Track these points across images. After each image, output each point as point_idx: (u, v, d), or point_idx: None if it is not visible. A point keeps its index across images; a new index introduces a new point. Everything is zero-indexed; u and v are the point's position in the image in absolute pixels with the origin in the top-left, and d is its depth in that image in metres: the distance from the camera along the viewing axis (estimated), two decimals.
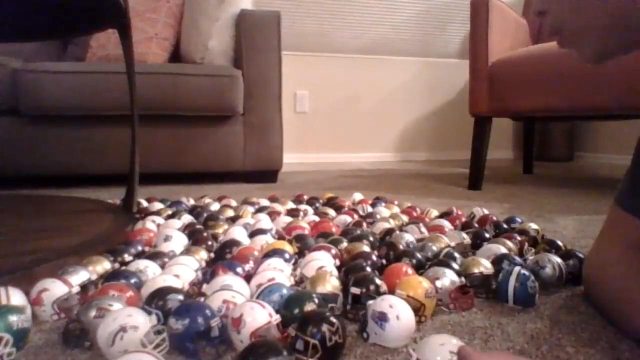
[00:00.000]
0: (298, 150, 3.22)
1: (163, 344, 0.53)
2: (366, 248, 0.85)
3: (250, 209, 1.26)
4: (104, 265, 0.77)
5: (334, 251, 0.83)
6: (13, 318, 0.54)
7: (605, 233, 0.66)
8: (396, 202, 1.40)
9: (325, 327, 0.50)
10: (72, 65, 1.90)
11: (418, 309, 0.61)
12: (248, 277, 0.70)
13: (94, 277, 0.72)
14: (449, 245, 0.88)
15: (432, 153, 3.58)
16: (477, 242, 0.93)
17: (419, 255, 0.80)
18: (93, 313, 0.56)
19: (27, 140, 1.83)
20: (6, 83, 1.75)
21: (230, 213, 1.22)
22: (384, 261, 0.81)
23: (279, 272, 0.69)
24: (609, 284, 0.62)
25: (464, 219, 1.15)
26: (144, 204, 1.35)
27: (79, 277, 0.70)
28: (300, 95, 3.24)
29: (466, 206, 1.39)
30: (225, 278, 0.67)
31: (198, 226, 1.05)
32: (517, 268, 0.69)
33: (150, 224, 1.06)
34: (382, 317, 0.55)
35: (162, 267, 0.77)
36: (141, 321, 0.53)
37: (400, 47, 3.41)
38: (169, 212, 1.20)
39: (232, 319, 0.54)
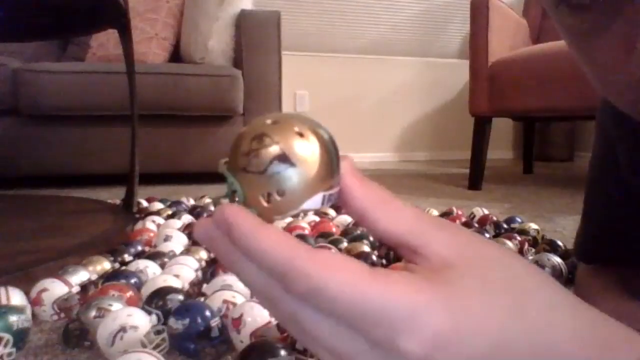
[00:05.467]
0: None
1: (163, 344, 0.53)
2: (366, 248, 0.85)
3: None
4: (104, 265, 0.77)
5: (334, 251, 0.83)
6: (13, 318, 0.54)
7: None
8: None
9: None
10: (72, 65, 1.90)
11: None
12: None
13: (94, 277, 0.72)
14: None
15: (432, 153, 3.58)
16: None
17: None
18: (93, 313, 0.56)
19: (27, 140, 1.82)
20: (6, 83, 1.75)
21: None
22: (384, 261, 0.81)
23: None
24: None
25: (464, 219, 1.15)
26: (144, 204, 1.35)
27: (79, 277, 0.70)
28: (300, 95, 3.24)
29: (466, 206, 1.39)
30: (225, 278, 0.67)
31: None
32: None
33: (150, 224, 1.06)
34: None
35: (162, 267, 0.77)
36: (141, 321, 0.53)
37: (400, 47, 3.41)
38: (169, 212, 1.20)
39: (232, 319, 0.54)
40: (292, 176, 0.21)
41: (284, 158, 0.21)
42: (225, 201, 0.22)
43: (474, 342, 0.19)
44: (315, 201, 0.22)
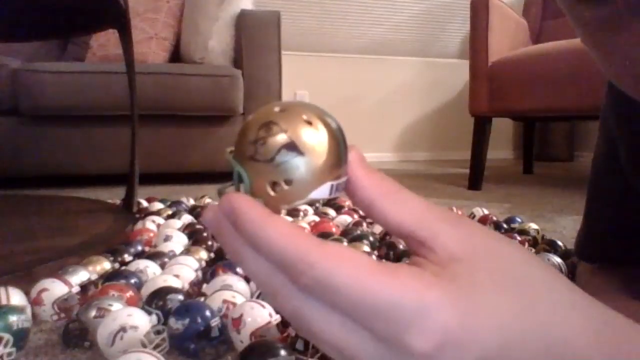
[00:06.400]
0: None
1: (163, 344, 0.53)
2: (366, 248, 0.85)
3: None
4: (104, 265, 0.77)
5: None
6: (13, 318, 0.54)
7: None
8: None
9: None
10: (72, 65, 1.90)
11: None
12: (248, 277, 0.70)
13: (94, 277, 0.72)
14: None
15: (432, 153, 3.58)
16: None
17: None
18: (93, 313, 0.56)
19: (27, 140, 1.82)
20: (6, 83, 1.75)
21: None
22: (384, 261, 0.81)
23: None
24: None
25: None
26: (144, 204, 1.35)
27: (79, 277, 0.70)
28: (300, 95, 3.24)
29: (466, 206, 1.39)
30: (225, 278, 0.67)
31: (198, 226, 1.05)
32: None
33: (150, 224, 1.06)
34: None
35: (162, 267, 0.77)
36: (141, 321, 0.53)
37: (400, 47, 3.41)
38: (169, 212, 1.20)
39: (232, 319, 0.54)
40: (299, 165, 0.20)
41: (291, 146, 0.20)
42: (231, 189, 0.22)
43: (482, 339, 0.19)
44: (322, 191, 0.21)
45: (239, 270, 0.73)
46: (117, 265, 0.80)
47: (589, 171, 0.57)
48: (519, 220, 1.12)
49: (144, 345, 0.50)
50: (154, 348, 0.51)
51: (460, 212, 1.24)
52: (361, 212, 1.25)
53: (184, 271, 0.72)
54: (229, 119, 1.99)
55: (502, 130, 3.59)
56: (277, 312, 0.56)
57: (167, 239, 0.92)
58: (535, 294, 0.21)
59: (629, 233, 0.49)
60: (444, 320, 0.19)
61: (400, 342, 0.19)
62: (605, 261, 0.54)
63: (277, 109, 0.21)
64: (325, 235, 0.95)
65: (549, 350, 0.21)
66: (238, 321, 0.53)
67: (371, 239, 0.92)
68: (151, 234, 0.98)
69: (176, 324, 0.53)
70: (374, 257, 0.80)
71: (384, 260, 0.81)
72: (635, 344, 0.22)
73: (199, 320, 0.53)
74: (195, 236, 0.95)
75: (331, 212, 1.25)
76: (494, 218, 1.14)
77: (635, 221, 0.48)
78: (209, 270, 0.74)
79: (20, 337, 0.54)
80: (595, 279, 0.54)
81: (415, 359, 0.19)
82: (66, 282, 0.65)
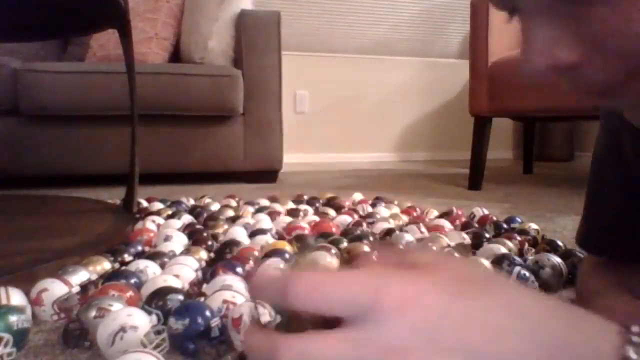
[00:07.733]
0: (298, 150, 3.22)
1: (163, 344, 0.53)
2: (366, 248, 0.85)
3: (250, 209, 1.26)
4: (104, 265, 0.77)
5: (334, 251, 0.83)
6: (13, 318, 0.54)
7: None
8: (396, 202, 1.40)
9: None
10: (72, 65, 1.90)
11: None
12: (248, 277, 0.70)
13: (94, 277, 0.72)
14: (449, 245, 0.88)
15: (432, 153, 3.58)
16: (477, 242, 0.93)
17: None
18: (93, 313, 0.56)
19: (27, 140, 1.83)
20: (6, 83, 1.75)
21: (230, 213, 1.22)
22: None
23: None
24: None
25: (464, 219, 1.15)
26: (144, 204, 1.35)
27: (79, 277, 0.69)
28: (300, 95, 3.24)
29: (466, 206, 1.39)
30: (225, 278, 0.67)
31: (198, 226, 1.05)
32: (517, 268, 0.69)
33: (150, 224, 1.06)
34: None
35: (162, 267, 0.77)
36: (141, 321, 0.53)
37: (400, 47, 3.41)
38: (169, 212, 1.20)
39: (232, 319, 0.54)
40: None
41: None
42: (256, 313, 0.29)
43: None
44: None
45: (239, 270, 0.73)
46: (117, 265, 0.80)
47: (589, 169, 0.57)
48: (519, 220, 1.12)
49: (144, 346, 0.50)
50: (154, 348, 0.51)
51: (460, 212, 1.24)
52: (361, 212, 1.25)
53: (184, 271, 0.72)
54: (229, 119, 1.99)
55: (502, 130, 3.59)
56: (278, 313, 0.56)
57: (167, 239, 0.92)
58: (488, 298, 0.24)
59: (630, 226, 0.49)
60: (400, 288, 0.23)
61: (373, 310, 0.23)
62: (606, 255, 0.54)
63: None
64: (325, 235, 0.95)
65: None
66: (238, 321, 0.53)
67: (371, 239, 0.92)
68: (151, 234, 0.98)
69: (176, 324, 0.53)
70: (374, 257, 0.80)
71: None
72: (601, 340, 0.22)
73: (199, 320, 0.53)
74: (195, 236, 0.95)
75: (331, 212, 1.25)
76: (494, 218, 1.14)
77: (637, 214, 0.48)
78: (209, 270, 0.74)
79: (20, 337, 0.54)
80: (596, 275, 0.54)
81: (385, 315, 0.22)
82: (66, 282, 0.65)
